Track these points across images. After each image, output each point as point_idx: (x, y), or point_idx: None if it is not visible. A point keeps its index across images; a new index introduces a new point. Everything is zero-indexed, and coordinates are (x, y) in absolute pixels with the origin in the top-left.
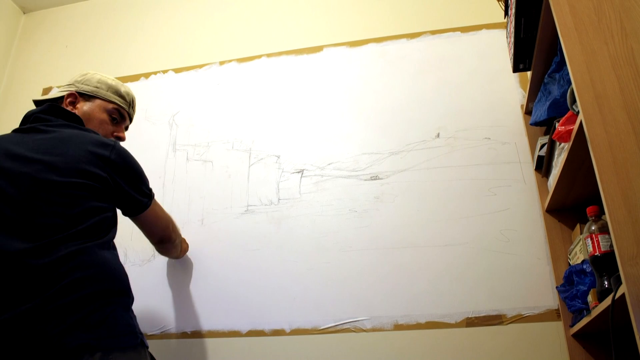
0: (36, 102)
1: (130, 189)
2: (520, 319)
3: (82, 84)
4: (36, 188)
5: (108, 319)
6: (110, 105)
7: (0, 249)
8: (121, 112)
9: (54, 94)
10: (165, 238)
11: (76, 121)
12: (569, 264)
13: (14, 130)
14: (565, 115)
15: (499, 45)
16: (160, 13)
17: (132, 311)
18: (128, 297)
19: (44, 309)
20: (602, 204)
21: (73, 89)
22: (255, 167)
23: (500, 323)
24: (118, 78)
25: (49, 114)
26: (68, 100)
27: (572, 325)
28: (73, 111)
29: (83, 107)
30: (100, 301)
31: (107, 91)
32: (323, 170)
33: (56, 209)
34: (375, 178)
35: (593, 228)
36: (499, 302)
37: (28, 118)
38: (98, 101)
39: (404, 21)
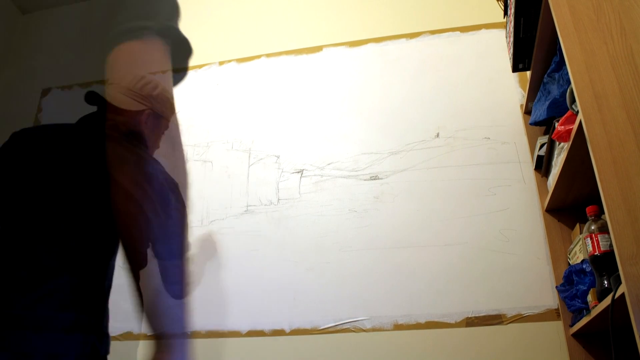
0: (90, 97)
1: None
2: (520, 318)
3: (156, 101)
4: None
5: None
6: (168, 124)
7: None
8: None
9: (120, 100)
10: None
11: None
12: (569, 264)
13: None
14: (565, 115)
15: (498, 45)
16: None
17: None
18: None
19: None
20: (601, 203)
21: (148, 105)
22: (255, 167)
23: (500, 323)
24: None
25: None
26: (144, 118)
27: (572, 325)
28: (144, 128)
29: (152, 125)
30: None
31: (170, 111)
32: (323, 170)
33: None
34: (374, 178)
35: (593, 228)
36: (499, 302)
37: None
38: (164, 121)
39: (403, 21)
